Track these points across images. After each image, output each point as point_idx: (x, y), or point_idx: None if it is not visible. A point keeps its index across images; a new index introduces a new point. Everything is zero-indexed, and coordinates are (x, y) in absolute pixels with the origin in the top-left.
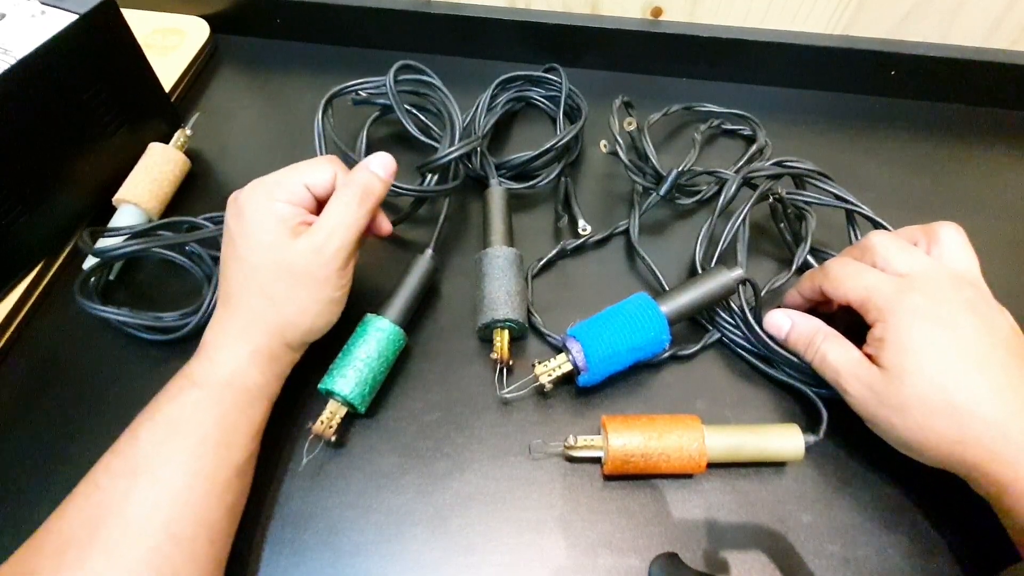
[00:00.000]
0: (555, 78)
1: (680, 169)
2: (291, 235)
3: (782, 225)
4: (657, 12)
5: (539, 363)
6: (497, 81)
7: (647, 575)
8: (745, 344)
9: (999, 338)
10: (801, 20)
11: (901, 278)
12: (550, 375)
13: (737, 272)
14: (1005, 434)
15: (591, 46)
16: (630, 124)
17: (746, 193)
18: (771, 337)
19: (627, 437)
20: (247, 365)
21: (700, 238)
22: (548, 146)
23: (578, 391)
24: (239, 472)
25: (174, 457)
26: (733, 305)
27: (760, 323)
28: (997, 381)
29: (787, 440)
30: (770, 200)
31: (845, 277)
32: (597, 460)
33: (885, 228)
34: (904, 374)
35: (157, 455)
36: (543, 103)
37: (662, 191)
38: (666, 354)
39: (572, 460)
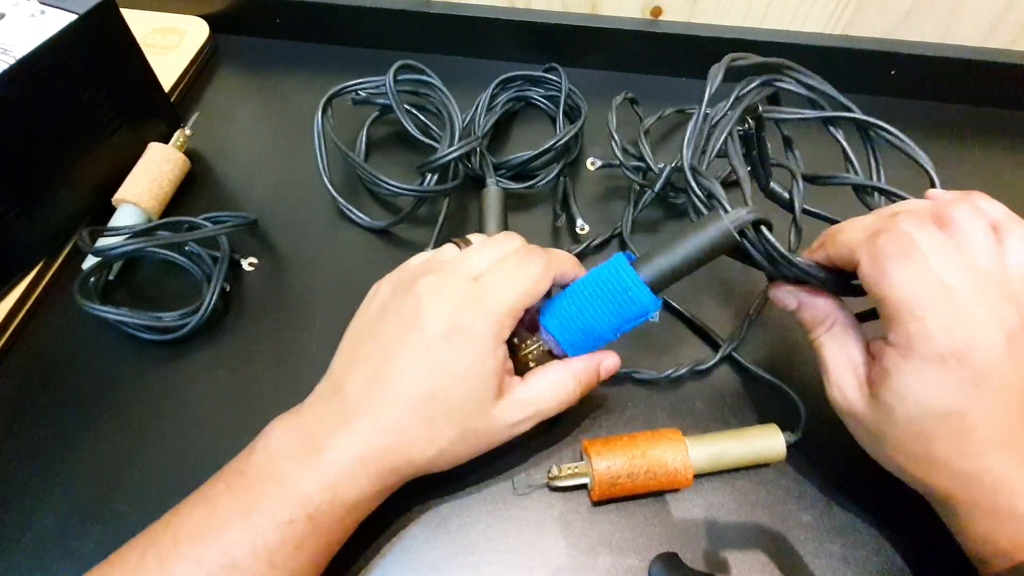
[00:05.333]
0: (555, 78)
1: (674, 165)
2: (499, 392)
3: (754, 153)
4: (657, 12)
5: (525, 346)
6: (497, 81)
7: (647, 575)
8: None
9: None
10: (801, 20)
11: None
12: (531, 355)
13: (742, 213)
14: (968, 485)
15: (591, 46)
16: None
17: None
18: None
19: (610, 459)
20: (372, 500)
21: (687, 138)
22: (547, 146)
23: None
24: None
25: None
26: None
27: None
28: (984, 441)
29: (768, 442)
30: (746, 123)
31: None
32: (583, 487)
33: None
34: (891, 417)
35: None
36: (543, 103)
37: (656, 187)
38: (654, 318)
39: (557, 490)
